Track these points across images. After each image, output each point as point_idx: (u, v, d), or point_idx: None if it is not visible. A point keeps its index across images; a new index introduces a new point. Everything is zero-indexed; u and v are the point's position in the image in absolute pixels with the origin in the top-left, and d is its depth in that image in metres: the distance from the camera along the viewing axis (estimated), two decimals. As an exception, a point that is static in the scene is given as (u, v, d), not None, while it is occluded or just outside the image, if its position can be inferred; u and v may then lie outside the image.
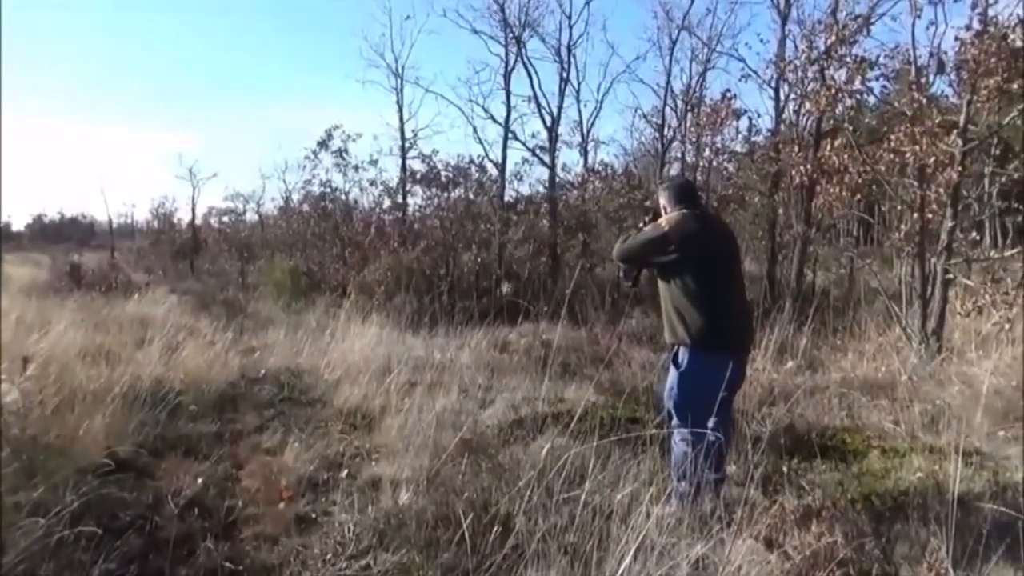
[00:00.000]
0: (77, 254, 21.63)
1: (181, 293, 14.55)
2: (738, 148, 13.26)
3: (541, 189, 15.26)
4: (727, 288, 3.53)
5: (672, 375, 3.51)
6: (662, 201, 3.75)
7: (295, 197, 18.21)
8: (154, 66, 52.62)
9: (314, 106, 43.45)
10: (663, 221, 3.59)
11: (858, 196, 8.22)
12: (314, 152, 15.71)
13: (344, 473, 4.09)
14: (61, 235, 41.50)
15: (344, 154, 15.41)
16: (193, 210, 25.36)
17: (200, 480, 3.88)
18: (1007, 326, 6.38)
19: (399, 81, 15.76)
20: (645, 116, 16.64)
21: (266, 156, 53.47)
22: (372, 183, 15.62)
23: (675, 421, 3.49)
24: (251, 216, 22.64)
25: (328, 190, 16.18)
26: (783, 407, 5.25)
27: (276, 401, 5.72)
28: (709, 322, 3.38)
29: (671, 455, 3.54)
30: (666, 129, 14.98)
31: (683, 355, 3.45)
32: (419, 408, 4.73)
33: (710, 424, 3.24)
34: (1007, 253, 7.66)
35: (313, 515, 3.60)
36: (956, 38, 6.93)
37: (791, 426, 4.86)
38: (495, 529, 2.95)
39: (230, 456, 4.42)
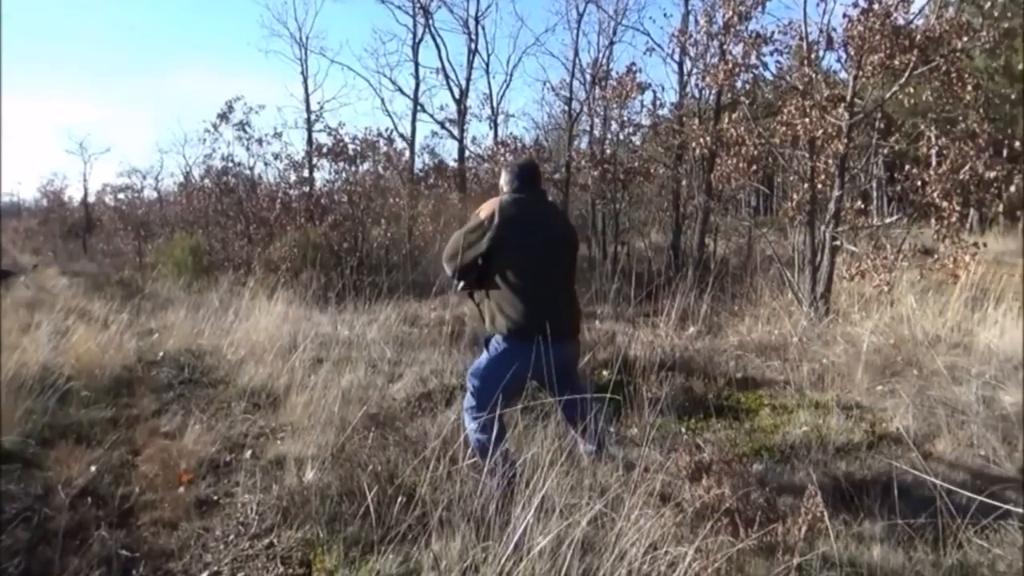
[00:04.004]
0: (-44, 236, 20.22)
1: (72, 275, 13.84)
2: (644, 121, 13.53)
3: (451, 163, 15.20)
4: (545, 278, 3.34)
5: (483, 358, 3.40)
6: (501, 183, 3.59)
7: (196, 172, 17.51)
8: (43, 31, 48.99)
9: (214, 76, 41.63)
10: (480, 210, 3.40)
11: (755, 168, 8.54)
12: (215, 125, 15.13)
13: (248, 453, 4.03)
14: (-62, 216, 38.42)
15: (247, 127, 14.92)
16: (85, 187, 24.14)
17: (93, 468, 3.74)
18: (886, 289, 6.82)
19: (303, 51, 15.35)
20: (554, 89, 16.80)
21: (164, 129, 51.09)
22: (277, 157, 15.22)
23: (470, 402, 3.39)
24: (149, 193, 21.71)
25: (230, 165, 15.66)
26: (682, 371, 5.47)
27: (176, 384, 5.56)
28: (524, 313, 3.25)
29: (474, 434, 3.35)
30: (574, 102, 15.15)
31: (496, 342, 3.33)
32: (325, 385, 4.67)
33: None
34: (888, 221, 8.17)
35: (215, 497, 3.53)
36: (844, 15, 7.27)
37: (689, 388, 5.07)
38: (399, 500, 2.97)
39: (126, 442, 4.26)
